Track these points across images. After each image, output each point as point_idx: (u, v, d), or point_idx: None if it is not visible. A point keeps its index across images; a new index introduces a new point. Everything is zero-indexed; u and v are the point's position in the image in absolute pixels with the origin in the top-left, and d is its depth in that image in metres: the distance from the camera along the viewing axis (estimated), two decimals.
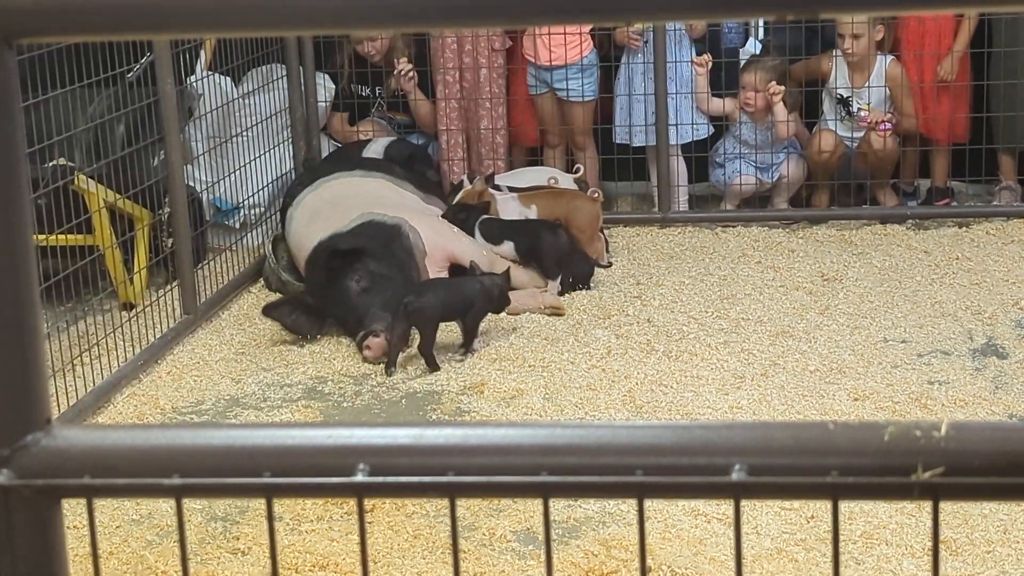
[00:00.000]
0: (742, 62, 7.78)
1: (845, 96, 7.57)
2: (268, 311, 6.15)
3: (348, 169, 7.11)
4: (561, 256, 6.61)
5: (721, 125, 7.86)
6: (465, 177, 7.41)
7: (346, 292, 6.10)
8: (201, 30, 1.27)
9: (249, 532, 4.43)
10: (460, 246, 6.58)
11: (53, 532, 1.33)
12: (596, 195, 7.00)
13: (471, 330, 5.95)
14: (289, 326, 6.14)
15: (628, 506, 4.46)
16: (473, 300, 5.93)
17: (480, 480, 1.26)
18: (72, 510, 4.00)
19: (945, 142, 7.73)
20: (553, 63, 7.67)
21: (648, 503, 1.27)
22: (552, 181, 7.30)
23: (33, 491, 1.29)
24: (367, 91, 8.01)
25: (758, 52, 7.75)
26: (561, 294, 6.54)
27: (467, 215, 6.78)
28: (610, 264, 6.96)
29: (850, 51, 7.45)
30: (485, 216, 6.82)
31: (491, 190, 7.03)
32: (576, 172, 7.46)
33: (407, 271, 6.29)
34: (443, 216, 6.83)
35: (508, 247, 6.69)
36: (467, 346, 5.95)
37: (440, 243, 6.51)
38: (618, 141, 7.88)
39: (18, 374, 1.31)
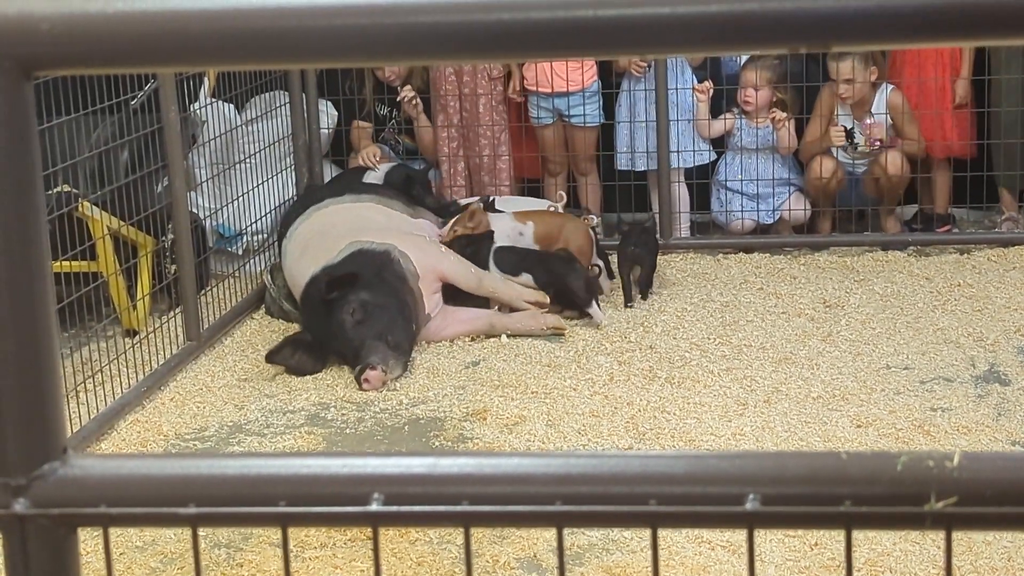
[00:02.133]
0: (742, 60, 7.79)
1: (848, 128, 7.60)
2: (270, 358, 6.10)
3: (339, 194, 7.12)
4: (588, 282, 6.61)
5: (721, 152, 7.89)
6: (458, 200, 7.44)
7: (342, 326, 6.07)
8: (223, 62, 1.28)
9: (253, 559, 4.43)
10: (447, 264, 6.58)
11: (69, 561, 1.33)
12: (587, 219, 7.02)
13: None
14: (293, 368, 6.11)
15: (632, 533, 4.45)
16: (656, 246, 7.07)
17: (494, 510, 1.27)
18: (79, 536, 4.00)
19: (944, 156, 7.72)
20: (556, 90, 7.70)
21: None
22: (552, 209, 7.32)
23: (49, 520, 1.30)
24: (385, 111, 8.01)
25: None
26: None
27: (476, 247, 6.76)
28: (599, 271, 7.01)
29: (846, 96, 7.49)
30: (498, 246, 6.80)
31: (487, 212, 7.02)
32: (560, 200, 7.49)
33: (401, 297, 6.27)
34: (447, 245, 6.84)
35: (527, 279, 6.68)
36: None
37: (429, 264, 6.50)
38: (620, 168, 7.91)
39: (35, 404, 1.32)
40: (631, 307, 6.76)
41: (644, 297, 6.88)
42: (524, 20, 1.22)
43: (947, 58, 7.63)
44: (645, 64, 7.64)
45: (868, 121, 7.53)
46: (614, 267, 7.08)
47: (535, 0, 1.22)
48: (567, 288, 6.59)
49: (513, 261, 6.72)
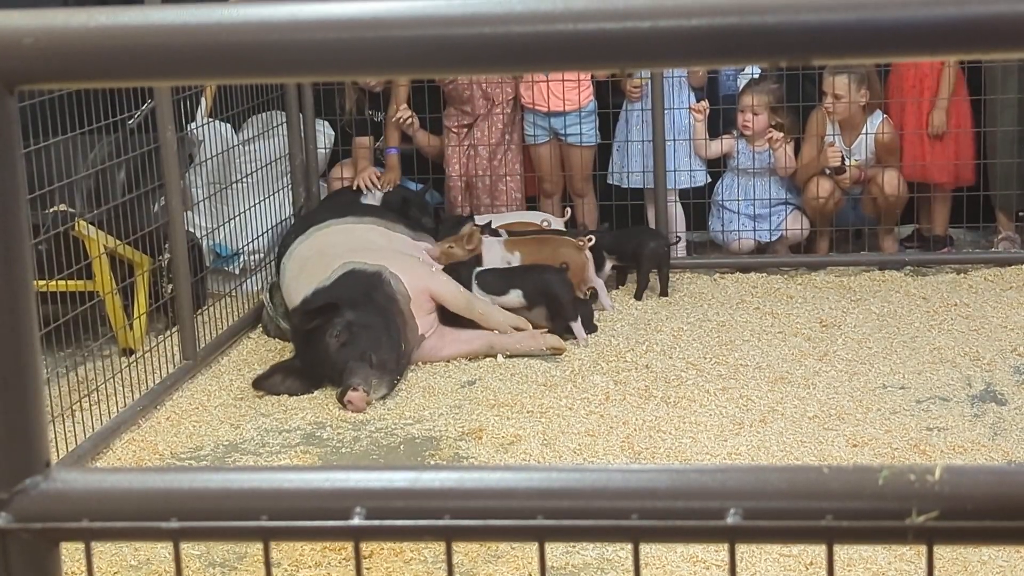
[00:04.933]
0: (741, 84, 7.81)
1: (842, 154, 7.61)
2: (258, 386, 6.10)
3: (341, 215, 7.11)
4: (574, 296, 6.61)
5: (719, 172, 7.90)
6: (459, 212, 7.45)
7: (326, 350, 6.07)
8: (204, 76, 1.28)
9: None
10: (437, 283, 6.57)
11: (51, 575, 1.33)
12: (582, 243, 6.97)
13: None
14: (285, 392, 6.11)
15: (626, 553, 4.44)
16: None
17: (476, 524, 1.27)
18: (70, 556, 4.00)
19: (950, 185, 7.74)
20: (553, 110, 7.71)
21: (646, 549, 1.28)
22: (544, 223, 7.32)
23: (31, 534, 1.30)
24: (380, 116, 7.99)
25: (756, 75, 7.77)
26: (590, 332, 6.60)
27: (459, 272, 6.75)
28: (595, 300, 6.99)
29: (831, 110, 7.50)
30: (480, 268, 6.80)
31: (481, 234, 7.02)
32: (566, 216, 7.51)
33: (389, 317, 6.25)
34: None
35: (515, 295, 6.67)
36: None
37: (420, 284, 6.49)
38: (611, 183, 7.91)
39: (17, 418, 1.31)
40: (640, 300, 7.15)
41: (639, 297, 7.18)
42: (505, 34, 1.22)
43: (929, 78, 7.65)
44: (639, 88, 7.64)
45: (857, 159, 7.56)
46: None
47: (515, 14, 1.22)
48: (554, 298, 6.58)
49: (498, 282, 6.70)
